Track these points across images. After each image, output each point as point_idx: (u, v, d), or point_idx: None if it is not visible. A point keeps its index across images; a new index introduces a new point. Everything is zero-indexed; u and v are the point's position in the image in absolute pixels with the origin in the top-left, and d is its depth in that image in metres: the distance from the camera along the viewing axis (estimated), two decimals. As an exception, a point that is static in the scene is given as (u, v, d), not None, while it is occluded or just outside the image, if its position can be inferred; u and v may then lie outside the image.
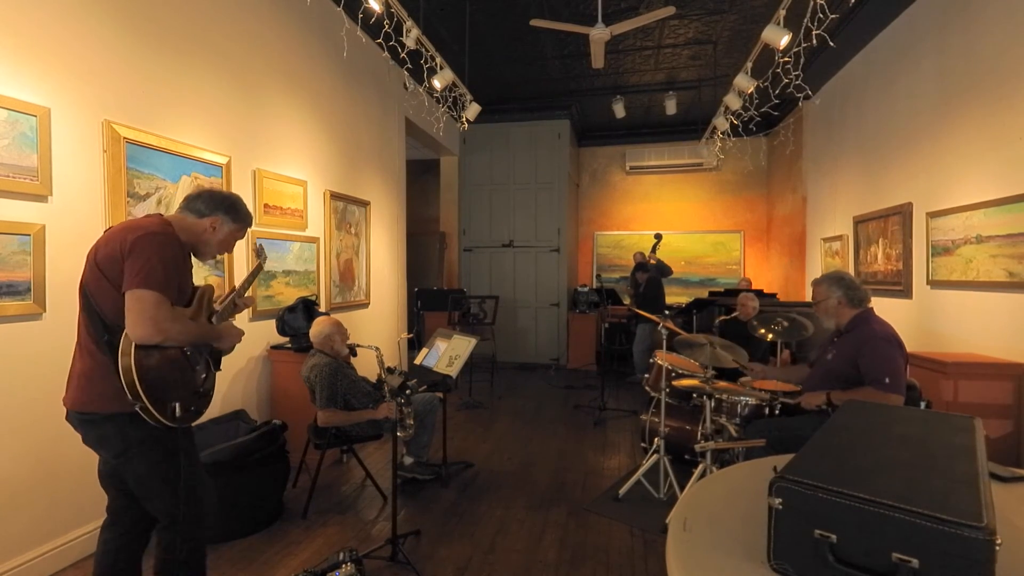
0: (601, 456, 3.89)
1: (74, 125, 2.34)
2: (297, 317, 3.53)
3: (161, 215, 1.71)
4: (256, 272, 2.10)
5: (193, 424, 1.73)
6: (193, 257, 1.80)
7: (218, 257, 3.11)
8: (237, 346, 1.89)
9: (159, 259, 1.54)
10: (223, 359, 1.89)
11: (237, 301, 1.97)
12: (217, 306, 1.87)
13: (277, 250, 3.63)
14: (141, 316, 1.49)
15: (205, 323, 1.75)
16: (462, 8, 4.56)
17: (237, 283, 2.80)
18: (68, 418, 1.63)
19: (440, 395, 3.41)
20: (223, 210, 1.78)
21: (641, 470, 3.16)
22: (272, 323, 3.59)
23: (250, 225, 1.91)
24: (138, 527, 1.75)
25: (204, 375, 1.73)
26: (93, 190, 2.42)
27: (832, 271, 2.78)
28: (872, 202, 4.70)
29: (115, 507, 1.74)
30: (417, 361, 3.13)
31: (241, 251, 3.30)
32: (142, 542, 1.77)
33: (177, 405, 1.58)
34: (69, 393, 1.61)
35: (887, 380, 2.33)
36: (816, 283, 2.71)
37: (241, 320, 3.32)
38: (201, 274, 2.99)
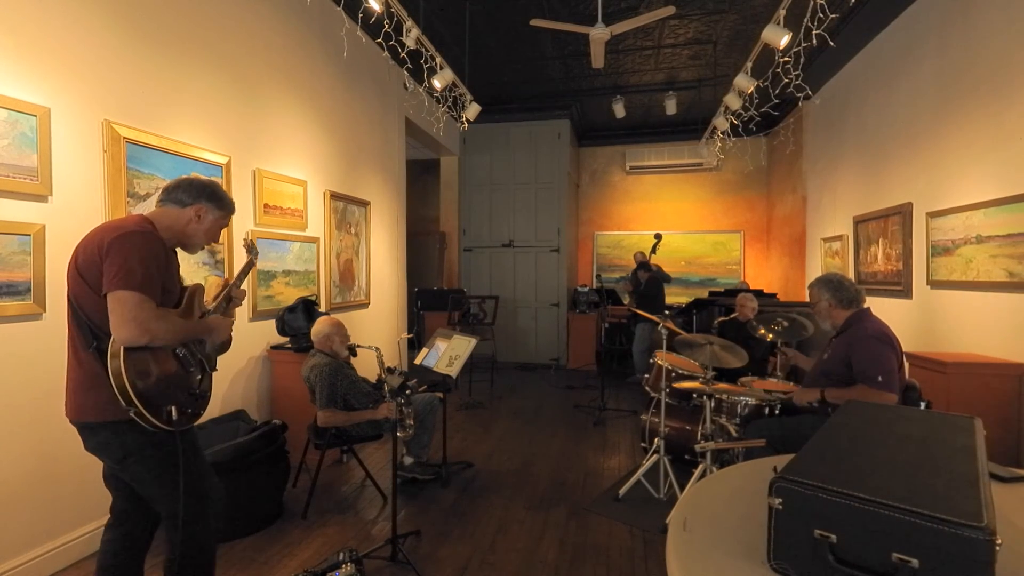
0: (601, 456, 3.89)
1: (74, 125, 2.34)
2: (297, 317, 3.53)
3: (141, 214, 1.67)
4: (247, 268, 2.05)
5: (193, 424, 1.72)
6: (191, 256, 1.78)
7: (218, 256, 3.12)
8: (237, 346, 1.88)
9: (138, 258, 1.49)
10: (221, 358, 1.87)
11: (233, 293, 1.93)
12: (210, 305, 1.85)
13: (277, 250, 3.63)
14: (124, 318, 1.45)
15: (194, 319, 1.70)
16: (462, 8, 4.56)
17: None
18: (72, 423, 1.62)
19: (440, 395, 3.41)
20: (206, 197, 1.73)
21: (641, 470, 3.16)
22: (272, 323, 3.59)
23: (233, 212, 1.86)
24: (141, 528, 1.74)
25: (199, 376, 1.70)
26: (93, 190, 2.42)
27: (824, 274, 2.79)
28: (872, 202, 4.70)
29: (118, 508, 1.74)
30: (417, 361, 3.13)
31: (243, 251, 3.30)
32: (145, 543, 1.77)
33: (173, 408, 1.55)
34: (67, 403, 1.59)
35: (880, 378, 2.33)
36: (809, 287, 2.74)
37: (241, 320, 3.32)
38: (201, 274, 2.99)
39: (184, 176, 1.77)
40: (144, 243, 1.54)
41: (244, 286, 2.00)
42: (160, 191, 1.74)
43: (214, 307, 1.85)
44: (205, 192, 1.74)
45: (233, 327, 1.86)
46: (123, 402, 1.47)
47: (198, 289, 1.77)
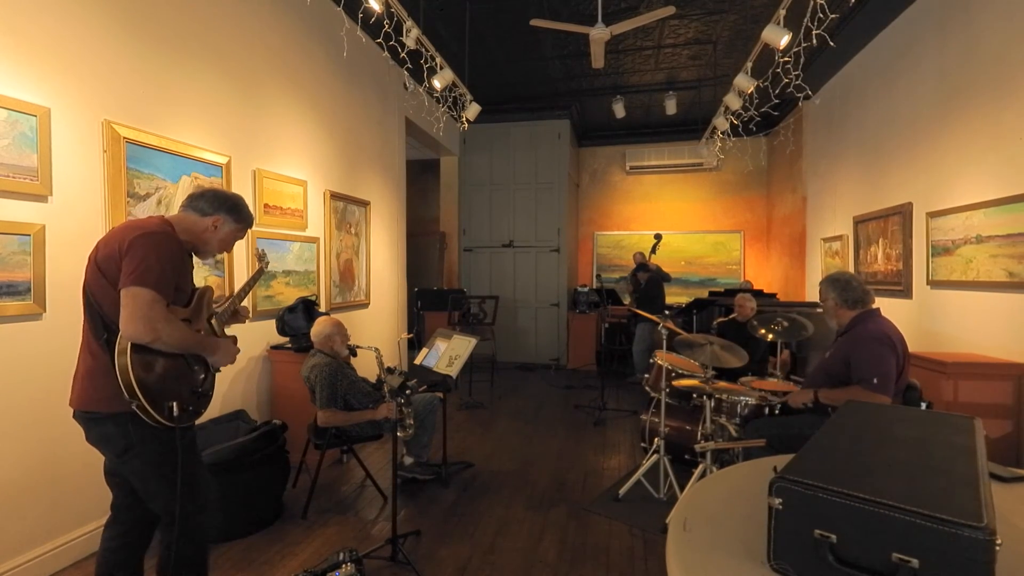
0: (601, 456, 3.89)
1: (74, 125, 2.34)
2: (297, 317, 3.53)
3: (163, 216, 1.72)
4: (257, 277, 2.11)
5: (194, 423, 1.73)
6: (194, 257, 1.81)
7: (218, 257, 3.12)
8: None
9: (156, 258, 1.54)
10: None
11: (237, 308, 1.98)
12: (217, 308, 1.87)
13: (277, 250, 3.63)
14: (134, 314, 1.49)
15: (201, 333, 1.73)
16: (462, 8, 4.55)
17: (237, 285, 2.79)
18: (75, 416, 1.64)
19: (440, 395, 3.41)
20: (226, 210, 1.79)
21: (641, 470, 3.15)
22: (272, 323, 3.59)
23: (251, 226, 1.92)
24: (140, 525, 1.75)
25: (203, 375, 1.73)
26: (93, 190, 2.42)
27: (833, 272, 2.79)
28: (872, 202, 4.70)
29: (118, 505, 1.75)
30: (417, 361, 3.13)
31: (242, 252, 3.30)
32: (144, 541, 1.78)
33: (175, 404, 1.58)
34: (74, 392, 1.63)
35: (875, 380, 2.33)
36: (820, 284, 2.73)
37: (241, 320, 3.32)
38: (201, 274, 2.98)
39: (210, 187, 1.82)
40: (163, 243, 1.59)
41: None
42: (187, 198, 1.79)
43: (221, 311, 1.88)
44: (226, 205, 1.80)
45: (236, 358, 1.88)
46: (127, 395, 1.50)
47: (208, 291, 1.81)
